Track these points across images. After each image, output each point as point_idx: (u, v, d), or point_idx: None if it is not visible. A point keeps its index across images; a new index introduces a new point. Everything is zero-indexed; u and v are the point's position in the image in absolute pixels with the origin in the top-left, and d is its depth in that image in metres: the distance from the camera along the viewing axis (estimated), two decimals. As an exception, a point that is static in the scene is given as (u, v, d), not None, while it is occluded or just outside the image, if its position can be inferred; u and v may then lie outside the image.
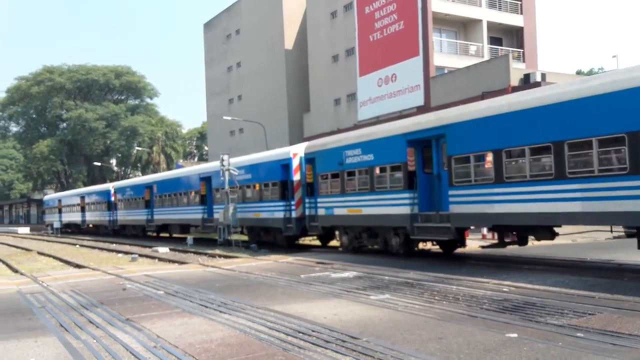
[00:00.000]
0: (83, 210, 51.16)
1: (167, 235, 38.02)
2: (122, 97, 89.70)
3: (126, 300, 11.51)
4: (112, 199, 43.94)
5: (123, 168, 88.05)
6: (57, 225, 61.96)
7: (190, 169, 30.48)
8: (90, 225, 51.75)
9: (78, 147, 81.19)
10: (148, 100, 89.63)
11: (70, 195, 57.66)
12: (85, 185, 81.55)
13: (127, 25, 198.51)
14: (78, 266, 21.09)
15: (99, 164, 79.46)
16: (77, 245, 34.82)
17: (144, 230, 39.31)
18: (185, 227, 33.87)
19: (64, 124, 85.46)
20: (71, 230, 56.03)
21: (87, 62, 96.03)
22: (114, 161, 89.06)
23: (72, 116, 79.76)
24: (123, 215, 42.20)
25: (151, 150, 77.65)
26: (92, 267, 19.49)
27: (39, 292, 13.13)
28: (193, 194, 30.96)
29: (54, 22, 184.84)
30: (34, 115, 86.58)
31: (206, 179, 29.77)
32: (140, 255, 24.17)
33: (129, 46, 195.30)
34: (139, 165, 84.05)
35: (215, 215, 27.17)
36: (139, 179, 43.34)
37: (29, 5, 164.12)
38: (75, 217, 53.82)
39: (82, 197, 51.49)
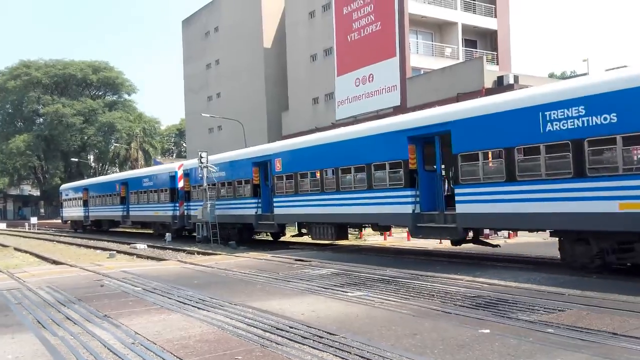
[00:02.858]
0: (124, 201, 37.72)
1: (298, 240, 24.89)
2: (100, 93, 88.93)
3: (104, 296, 11.48)
4: (180, 184, 30.20)
5: (100, 164, 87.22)
6: (67, 216, 50.91)
7: (376, 125, 18.55)
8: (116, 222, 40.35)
9: (55, 142, 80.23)
10: (126, 96, 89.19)
11: (104, 182, 43.25)
12: (63, 181, 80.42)
13: (106, 20, 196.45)
14: (55, 262, 20.91)
15: (76, 159, 78.68)
16: (55, 242, 34.49)
17: (242, 232, 25.65)
18: (339, 229, 20.23)
19: (41, 119, 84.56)
20: (104, 228, 43.77)
21: (65, 57, 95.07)
22: (91, 157, 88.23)
23: (49, 111, 78.87)
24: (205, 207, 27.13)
25: (129, 147, 77.09)
26: (69, 264, 19.33)
27: (15, 289, 13.01)
28: (388, 168, 16.97)
29: (31, 16, 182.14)
30: (10, 110, 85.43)
31: (419, 140, 16.28)
32: (118, 252, 24.05)
33: (107, 41, 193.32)
34: (116, 161, 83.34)
35: (464, 208, 14.51)
36: (241, 152, 26.77)
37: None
38: (110, 211, 40.17)
39: (124, 184, 37.93)
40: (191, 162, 30.14)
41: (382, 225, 18.87)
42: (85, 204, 44.87)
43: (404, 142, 16.17)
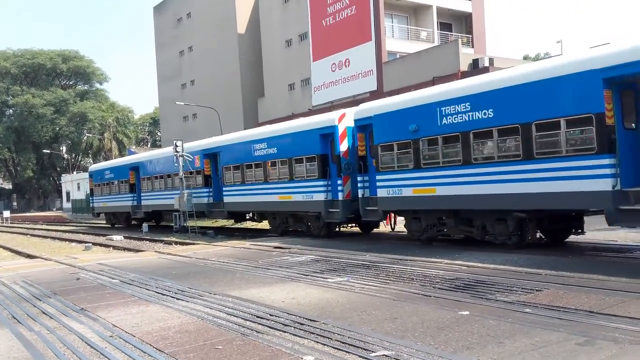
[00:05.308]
0: (208, 182, 25.41)
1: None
2: (71, 83, 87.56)
3: (80, 289, 11.32)
4: (342, 147, 18.27)
5: (73, 155, 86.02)
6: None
7: None
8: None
9: (26, 134, 78.90)
10: (98, 85, 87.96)
11: (170, 156, 26.88)
12: (35, 173, 79.04)
13: (74, 7, 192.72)
14: (29, 256, 20.62)
15: (48, 151, 77.46)
16: (28, 235, 34.00)
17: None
18: None
19: (10, 110, 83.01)
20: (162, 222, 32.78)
21: (33, 46, 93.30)
22: (63, 148, 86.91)
23: (18, 102, 77.46)
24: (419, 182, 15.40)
25: (102, 137, 76.05)
26: (44, 257, 19.05)
27: (-12, 284, 12.80)
28: None
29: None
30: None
31: None
32: (94, 244, 23.76)
33: (77, 30, 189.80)
34: (89, 152, 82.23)
35: None
36: (501, 76, 13.74)
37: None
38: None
39: (209, 156, 25.40)
40: (370, 106, 17.65)
41: None
42: (133, 188, 32.89)
43: None
